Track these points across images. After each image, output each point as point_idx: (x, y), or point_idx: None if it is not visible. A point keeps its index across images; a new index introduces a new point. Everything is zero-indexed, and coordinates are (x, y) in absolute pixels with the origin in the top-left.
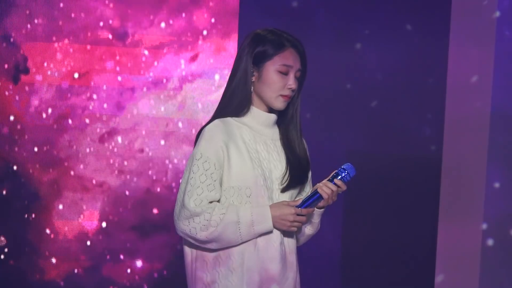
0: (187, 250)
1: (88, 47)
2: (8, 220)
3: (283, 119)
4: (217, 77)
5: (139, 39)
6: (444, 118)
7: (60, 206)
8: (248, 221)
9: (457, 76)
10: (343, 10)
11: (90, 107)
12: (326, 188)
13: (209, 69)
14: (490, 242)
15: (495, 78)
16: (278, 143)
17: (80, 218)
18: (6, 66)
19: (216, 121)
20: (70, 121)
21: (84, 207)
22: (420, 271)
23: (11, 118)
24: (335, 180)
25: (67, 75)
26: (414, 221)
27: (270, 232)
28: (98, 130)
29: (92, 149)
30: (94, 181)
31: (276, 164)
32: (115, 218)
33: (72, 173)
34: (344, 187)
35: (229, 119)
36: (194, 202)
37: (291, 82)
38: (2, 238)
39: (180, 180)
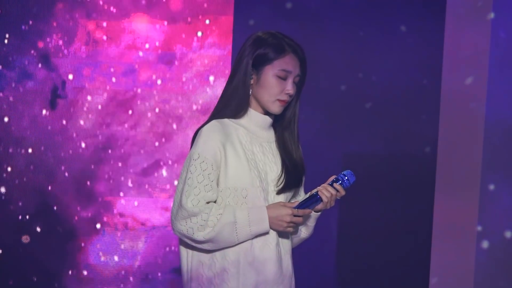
0: (183, 251)
1: (132, 71)
2: (42, 259)
3: (280, 123)
4: None
5: (187, 63)
6: (438, 120)
7: (98, 246)
8: (245, 221)
9: (452, 78)
10: (337, 12)
11: (133, 137)
12: (326, 191)
13: None
14: (485, 244)
15: (490, 80)
16: (273, 146)
17: (119, 259)
18: (42, 89)
19: (214, 122)
20: (110, 152)
21: (124, 247)
22: (415, 273)
23: (47, 147)
24: (335, 185)
25: (109, 101)
26: (408, 223)
27: (267, 233)
28: (141, 162)
29: (134, 183)
30: (135, 219)
31: (272, 166)
32: (157, 259)
33: (112, 209)
34: (343, 192)
35: (226, 120)
36: (191, 202)
37: (289, 87)
38: (26, 236)
39: (176, 182)
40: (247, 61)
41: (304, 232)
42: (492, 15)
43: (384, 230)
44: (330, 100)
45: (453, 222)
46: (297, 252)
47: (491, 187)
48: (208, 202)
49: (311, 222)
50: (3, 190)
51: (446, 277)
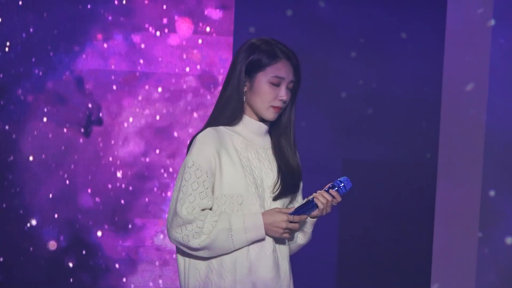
0: (180, 259)
1: (171, 95)
2: None
3: (276, 129)
4: None
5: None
6: (439, 126)
7: (134, 285)
8: (240, 228)
9: (453, 84)
10: (338, 19)
11: (172, 166)
12: (321, 197)
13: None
14: (485, 250)
15: (490, 86)
16: (270, 152)
17: None
18: (76, 115)
19: (209, 129)
20: (148, 183)
21: (162, 284)
22: (416, 279)
23: (81, 177)
24: (331, 191)
25: (146, 128)
26: (409, 229)
27: (263, 239)
28: None
29: None
30: (174, 255)
31: (268, 172)
32: None
33: (149, 243)
34: (339, 199)
35: (221, 127)
36: (186, 210)
37: (283, 94)
38: (53, 242)
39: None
40: (241, 68)
41: (301, 238)
42: (492, 22)
43: (384, 236)
44: (331, 106)
45: (454, 228)
46: (297, 257)
47: (492, 193)
48: (203, 210)
49: (308, 228)
50: (34, 222)
51: (448, 283)
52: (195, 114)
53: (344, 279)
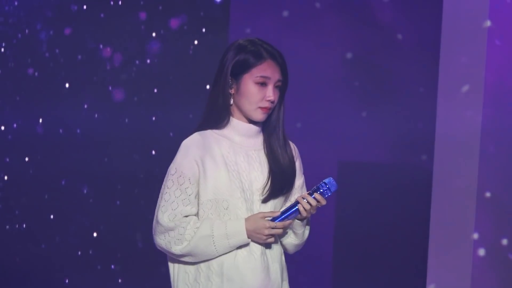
0: (170, 263)
1: None
2: None
3: (266, 128)
4: None
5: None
6: (435, 128)
7: None
8: (222, 234)
9: (448, 86)
10: (334, 20)
11: None
12: (305, 203)
13: None
14: (481, 252)
15: (486, 88)
16: (262, 153)
17: None
18: None
19: (195, 135)
20: None
21: None
22: (412, 280)
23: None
24: (315, 195)
25: None
26: (405, 231)
27: (247, 244)
28: None
29: None
30: None
31: (257, 175)
32: None
33: None
34: (323, 202)
35: (208, 132)
36: (168, 217)
37: (270, 94)
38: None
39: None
40: (226, 70)
41: (294, 238)
42: (488, 23)
43: (380, 238)
44: (326, 108)
45: (450, 229)
46: (292, 258)
47: (487, 194)
48: (186, 216)
49: (298, 229)
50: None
51: (443, 284)
52: None
53: (340, 280)
